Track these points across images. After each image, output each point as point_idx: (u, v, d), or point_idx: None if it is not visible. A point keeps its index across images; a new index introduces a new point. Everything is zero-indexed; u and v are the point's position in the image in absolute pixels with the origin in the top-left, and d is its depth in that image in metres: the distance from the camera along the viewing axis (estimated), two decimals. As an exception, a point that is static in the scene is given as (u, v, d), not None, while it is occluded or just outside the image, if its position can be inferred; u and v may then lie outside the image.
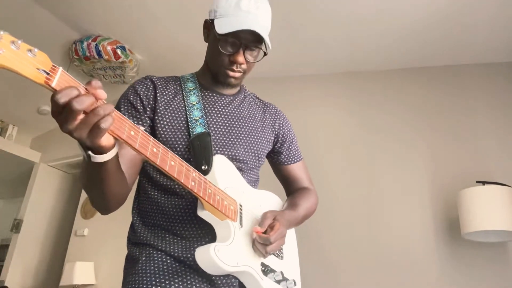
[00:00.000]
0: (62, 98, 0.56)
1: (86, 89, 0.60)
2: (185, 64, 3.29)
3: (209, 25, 1.04)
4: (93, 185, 0.78)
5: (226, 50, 0.98)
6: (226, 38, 0.97)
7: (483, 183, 2.07)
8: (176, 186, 0.97)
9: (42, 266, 4.15)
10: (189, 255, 0.91)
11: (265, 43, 0.98)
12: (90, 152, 0.66)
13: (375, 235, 2.42)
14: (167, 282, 0.87)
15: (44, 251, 4.21)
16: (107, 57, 3.07)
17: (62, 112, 0.58)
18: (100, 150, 0.66)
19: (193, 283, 0.89)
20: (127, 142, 0.67)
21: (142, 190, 1.04)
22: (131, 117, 0.98)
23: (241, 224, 0.92)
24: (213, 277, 0.92)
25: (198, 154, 0.94)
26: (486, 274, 2.09)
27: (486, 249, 2.13)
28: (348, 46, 2.70)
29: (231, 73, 1.02)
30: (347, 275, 2.39)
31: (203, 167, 0.92)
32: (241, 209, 0.94)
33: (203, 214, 0.88)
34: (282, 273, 0.97)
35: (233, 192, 0.94)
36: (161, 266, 0.91)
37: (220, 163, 0.96)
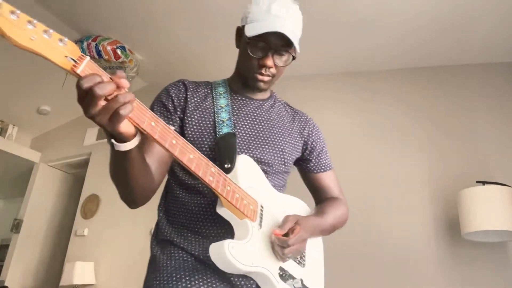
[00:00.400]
0: (86, 84, 0.60)
1: (110, 78, 0.63)
2: (185, 64, 3.29)
3: (240, 32, 1.06)
4: (118, 174, 0.82)
5: (255, 54, 1.00)
6: (256, 42, 0.98)
7: (483, 183, 2.07)
8: (200, 185, 0.98)
9: (42, 266, 4.15)
10: (208, 254, 0.91)
11: (294, 47, 1.00)
12: (113, 140, 0.70)
13: (375, 235, 2.42)
14: (187, 278, 0.89)
15: (44, 251, 4.21)
16: (107, 57, 3.07)
17: (86, 98, 0.61)
18: (122, 138, 0.69)
19: (213, 281, 0.90)
20: (147, 132, 0.69)
21: (169, 189, 1.07)
22: (162, 117, 1.01)
23: (260, 225, 0.91)
24: (232, 278, 0.92)
25: (223, 153, 0.95)
26: (486, 274, 2.09)
27: (486, 249, 2.13)
28: (348, 46, 2.70)
29: (260, 77, 1.03)
30: (346, 275, 2.39)
31: (226, 165, 0.92)
32: (261, 210, 0.94)
33: (221, 211, 0.88)
34: (302, 280, 0.96)
35: (255, 192, 0.93)
36: (181, 264, 0.93)
37: (244, 163, 0.96)
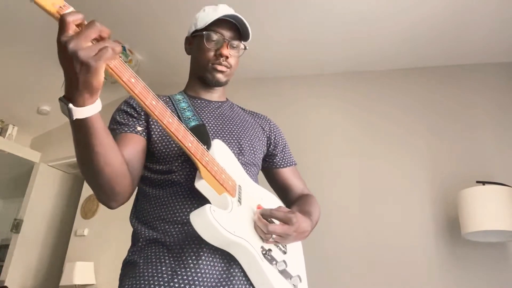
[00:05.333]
0: (70, 17, 0.59)
1: None
2: (185, 65, 3.29)
3: (190, 40, 1.15)
4: (85, 157, 0.74)
5: (212, 46, 1.07)
6: (210, 35, 1.06)
7: (483, 183, 2.07)
8: (173, 175, 0.96)
9: (42, 266, 4.15)
10: (189, 239, 0.88)
11: (244, 36, 1.09)
12: (71, 105, 0.64)
13: (375, 235, 2.42)
14: (166, 284, 0.84)
15: (44, 251, 4.21)
16: (107, 57, 3.07)
17: (73, 34, 0.59)
18: (93, 87, 0.63)
19: (191, 282, 0.84)
20: (128, 86, 0.68)
21: (140, 194, 1.04)
22: (128, 120, 1.01)
23: (239, 201, 0.89)
24: (216, 273, 0.86)
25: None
26: (486, 274, 2.09)
27: (486, 249, 2.13)
28: (348, 46, 2.70)
29: (219, 67, 1.08)
30: (346, 275, 2.39)
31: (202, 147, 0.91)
32: (240, 189, 0.93)
33: (200, 184, 0.85)
34: (285, 262, 0.90)
35: (232, 173, 0.93)
36: (159, 268, 0.87)
37: (220, 147, 0.97)
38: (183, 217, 0.92)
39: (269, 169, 1.24)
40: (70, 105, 0.64)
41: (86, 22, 0.62)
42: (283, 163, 1.23)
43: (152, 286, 0.84)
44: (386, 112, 2.72)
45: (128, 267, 0.95)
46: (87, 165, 0.75)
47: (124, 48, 3.12)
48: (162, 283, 0.84)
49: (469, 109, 2.51)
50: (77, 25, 0.61)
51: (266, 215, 0.89)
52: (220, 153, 0.95)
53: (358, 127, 2.77)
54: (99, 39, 0.62)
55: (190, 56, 1.17)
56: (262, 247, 0.87)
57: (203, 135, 0.96)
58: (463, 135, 2.45)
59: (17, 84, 3.66)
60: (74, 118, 0.65)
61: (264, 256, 0.86)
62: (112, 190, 0.80)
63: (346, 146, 2.76)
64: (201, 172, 0.84)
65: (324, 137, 2.83)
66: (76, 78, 0.61)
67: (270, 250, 0.88)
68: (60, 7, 0.61)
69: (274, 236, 0.86)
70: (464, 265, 2.16)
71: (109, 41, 0.62)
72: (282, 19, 2.52)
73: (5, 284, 3.73)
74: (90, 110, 0.66)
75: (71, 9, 0.62)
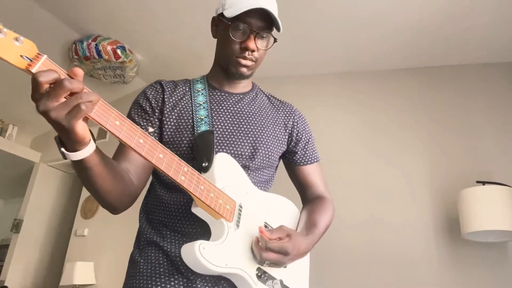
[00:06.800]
0: (42, 78, 0.57)
1: (68, 74, 0.61)
2: (185, 64, 3.29)
3: (216, 21, 1.05)
4: (84, 184, 0.79)
5: (237, 37, 0.98)
6: (237, 25, 0.97)
7: (483, 183, 2.07)
8: None
9: (42, 266, 4.15)
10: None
11: (275, 27, 1.00)
12: (63, 149, 0.66)
13: (375, 235, 2.42)
14: (163, 285, 0.89)
15: (44, 251, 4.21)
16: (107, 57, 3.07)
17: (48, 91, 0.58)
18: (76, 141, 0.64)
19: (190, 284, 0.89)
20: (110, 131, 0.66)
21: (152, 189, 1.05)
22: (141, 119, 1.00)
23: (237, 225, 0.88)
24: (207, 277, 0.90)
25: (201, 152, 0.93)
26: (486, 274, 2.09)
27: (486, 249, 2.13)
28: (348, 46, 2.70)
29: (243, 61, 1.01)
30: (346, 275, 2.39)
31: (203, 164, 0.91)
32: (240, 210, 0.91)
33: (196, 210, 0.86)
34: (281, 281, 0.93)
35: (233, 191, 0.91)
36: (157, 269, 0.91)
37: (222, 161, 0.94)
38: (183, 228, 0.94)
39: (289, 165, 1.20)
40: (62, 149, 0.66)
41: (62, 77, 0.59)
42: (303, 161, 1.17)
43: (149, 286, 0.88)
44: (386, 112, 2.72)
45: (131, 265, 0.99)
46: (87, 188, 0.80)
47: (124, 48, 3.12)
48: (159, 283, 0.89)
49: (469, 109, 2.50)
50: (51, 84, 0.58)
51: (262, 241, 0.87)
52: (222, 171, 0.92)
53: (358, 127, 2.77)
54: (72, 94, 0.60)
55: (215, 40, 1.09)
56: (258, 268, 0.89)
57: (207, 147, 0.94)
58: (463, 135, 2.45)
59: (17, 84, 3.65)
60: (68, 159, 0.67)
61: (259, 279, 0.88)
62: (112, 205, 0.86)
63: (346, 146, 2.76)
64: (196, 202, 0.84)
65: (322, 137, 2.82)
66: (57, 131, 0.63)
67: (266, 272, 0.91)
68: (32, 59, 0.58)
69: (267, 261, 0.87)
70: (464, 265, 2.16)
71: (81, 97, 0.60)
72: (283, 19, 2.51)
73: (5, 284, 3.73)
74: (82, 153, 0.67)
75: (44, 58, 0.59)
